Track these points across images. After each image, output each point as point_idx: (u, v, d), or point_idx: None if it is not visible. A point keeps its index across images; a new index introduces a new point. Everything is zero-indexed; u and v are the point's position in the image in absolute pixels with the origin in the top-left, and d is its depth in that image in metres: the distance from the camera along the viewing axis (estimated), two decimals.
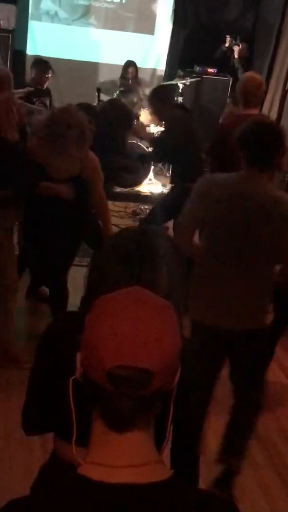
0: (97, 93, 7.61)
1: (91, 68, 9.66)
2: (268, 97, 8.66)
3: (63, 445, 1.74)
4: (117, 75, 9.06)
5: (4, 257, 4.10)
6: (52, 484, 1.23)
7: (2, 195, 3.79)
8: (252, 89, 4.62)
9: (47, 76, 7.13)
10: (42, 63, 7.22)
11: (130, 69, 8.81)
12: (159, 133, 7.13)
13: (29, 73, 8.94)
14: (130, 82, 8.80)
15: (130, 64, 8.86)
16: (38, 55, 9.28)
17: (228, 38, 9.25)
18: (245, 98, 4.61)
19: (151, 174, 8.34)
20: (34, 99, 7.01)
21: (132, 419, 1.13)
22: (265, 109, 8.42)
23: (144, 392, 1.10)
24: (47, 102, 7.18)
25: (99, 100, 7.59)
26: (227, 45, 9.29)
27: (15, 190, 3.82)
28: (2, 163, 3.75)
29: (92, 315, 1.16)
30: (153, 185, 8.38)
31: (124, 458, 1.13)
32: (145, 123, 8.27)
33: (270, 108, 8.80)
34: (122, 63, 9.13)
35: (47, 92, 7.25)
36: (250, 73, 5.31)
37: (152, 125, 8.33)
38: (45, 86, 7.19)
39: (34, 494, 1.21)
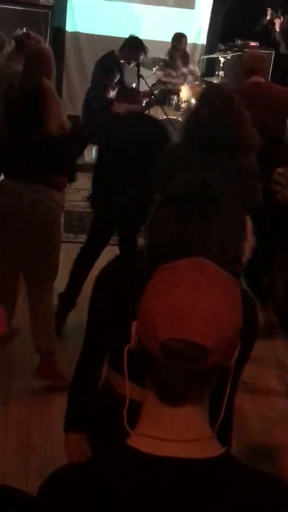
0: (136, 68, 7.56)
1: None
2: None
3: (116, 377, 1.78)
4: (157, 50, 8.92)
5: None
6: (102, 452, 1.23)
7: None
8: None
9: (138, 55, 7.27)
10: (138, 43, 7.34)
11: (184, 41, 8.61)
12: None
13: (69, 50, 8.97)
14: (180, 53, 8.62)
15: (182, 36, 8.63)
16: (77, 32, 9.27)
17: (269, 11, 9.07)
18: None
19: None
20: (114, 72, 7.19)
21: (185, 393, 1.11)
22: None
23: (198, 367, 1.08)
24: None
25: (138, 76, 7.55)
26: (268, 18, 9.11)
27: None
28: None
29: (152, 284, 1.14)
30: None
31: (176, 432, 1.11)
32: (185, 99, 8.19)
33: None
34: (163, 39, 9.01)
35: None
36: None
37: (193, 100, 8.22)
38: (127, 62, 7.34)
39: (83, 465, 1.19)
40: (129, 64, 7.34)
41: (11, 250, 3.92)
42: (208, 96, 3.20)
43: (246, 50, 9.13)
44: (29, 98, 3.88)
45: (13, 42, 5.52)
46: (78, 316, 4.04)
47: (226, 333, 1.08)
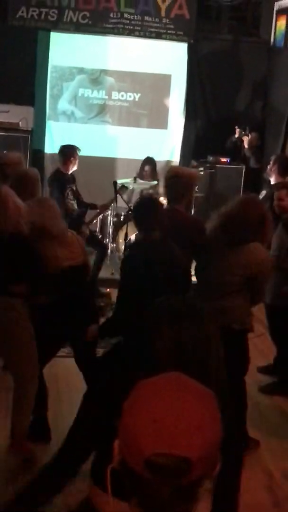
0: (113, 187, 7.85)
1: (108, 163, 9.94)
2: None
3: (101, 495, 1.74)
4: (133, 169, 9.33)
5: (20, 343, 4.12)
6: None
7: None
8: None
9: (70, 159, 7.44)
10: (65, 149, 7.58)
11: (146, 167, 9.10)
12: None
13: (48, 170, 9.31)
14: (147, 173, 9.06)
15: (147, 162, 9.13)
16: (56, 153, 9.63)
17: (237, 129, 9.48)
18: None
19: None
20: (67, 186, 7.39)
21: (171, 509, 1.09)
22: None
23: (184, 481, 1.07)
24: (74, 188, 7.57)
25: (116, 193, 7.83)
26: (236, 135, 9.50)
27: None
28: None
29: (131, 400, 1.14)
30: None
31: None
32: None
33: None
34: (138, 158, 9.41)
35: (74, 179, 7.64)
36: None
37: None
38: (69, 172, 7.50)
39: None
40: (67, 171, 7.58)
41: None
42: None
43: (217, 165, 9.56)
44: None
45: None
46: None
47: (209, 445, 1.09)
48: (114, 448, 1.15)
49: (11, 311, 4.05)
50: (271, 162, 6.87)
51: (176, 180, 4.77)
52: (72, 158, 7.45)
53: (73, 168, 7.53)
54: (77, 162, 7.51)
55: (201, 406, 1.12)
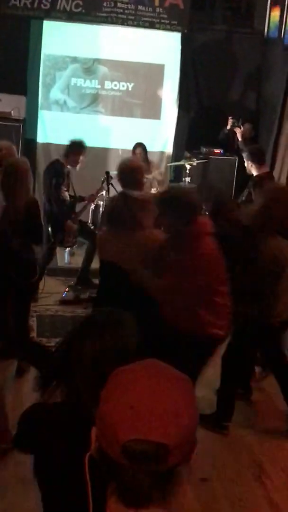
0: (106, 177, 7.82)
1: (101, 153, 9.88)
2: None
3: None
4: None
5: None
6: None
7: None
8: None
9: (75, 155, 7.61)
10: (76, 143, 7.69)
11: (138, 150, 9.09)
12: None
13: (40, 160, 9.27)
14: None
15: (137, 145, 9.12)
16: (48, 143, 9.60)
17: (230, 120, 9.42)
18: None
19: None
20: (65, 177, 7.56)
21: (149, 496, 1.09)
22: None
23: (161, 467, 1.07)
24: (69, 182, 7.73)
25: (108, 184, 7.80)
26: (228, 127, 9.43)
27: None
28: None
29: (108, 388, 1.14)
30: None
31: None
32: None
33: None
34: (131, 148, 9.36)
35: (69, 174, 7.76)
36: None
37: None
38: (67, 166, 7.65)
39: None
40: (75, 167, 7.69)
41: None
42: None
43: (211, 157, 9.53)
44: None
45: None
46: None
47: (186, 431, 1.09)
48: (92, 436, 1.14)
49: None
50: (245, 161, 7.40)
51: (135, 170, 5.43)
52: (76, 153, 7.54)
53: (71, 166, 7.61)
54: (79, 161, 7.60)
55: (178, 392, 1.11)
